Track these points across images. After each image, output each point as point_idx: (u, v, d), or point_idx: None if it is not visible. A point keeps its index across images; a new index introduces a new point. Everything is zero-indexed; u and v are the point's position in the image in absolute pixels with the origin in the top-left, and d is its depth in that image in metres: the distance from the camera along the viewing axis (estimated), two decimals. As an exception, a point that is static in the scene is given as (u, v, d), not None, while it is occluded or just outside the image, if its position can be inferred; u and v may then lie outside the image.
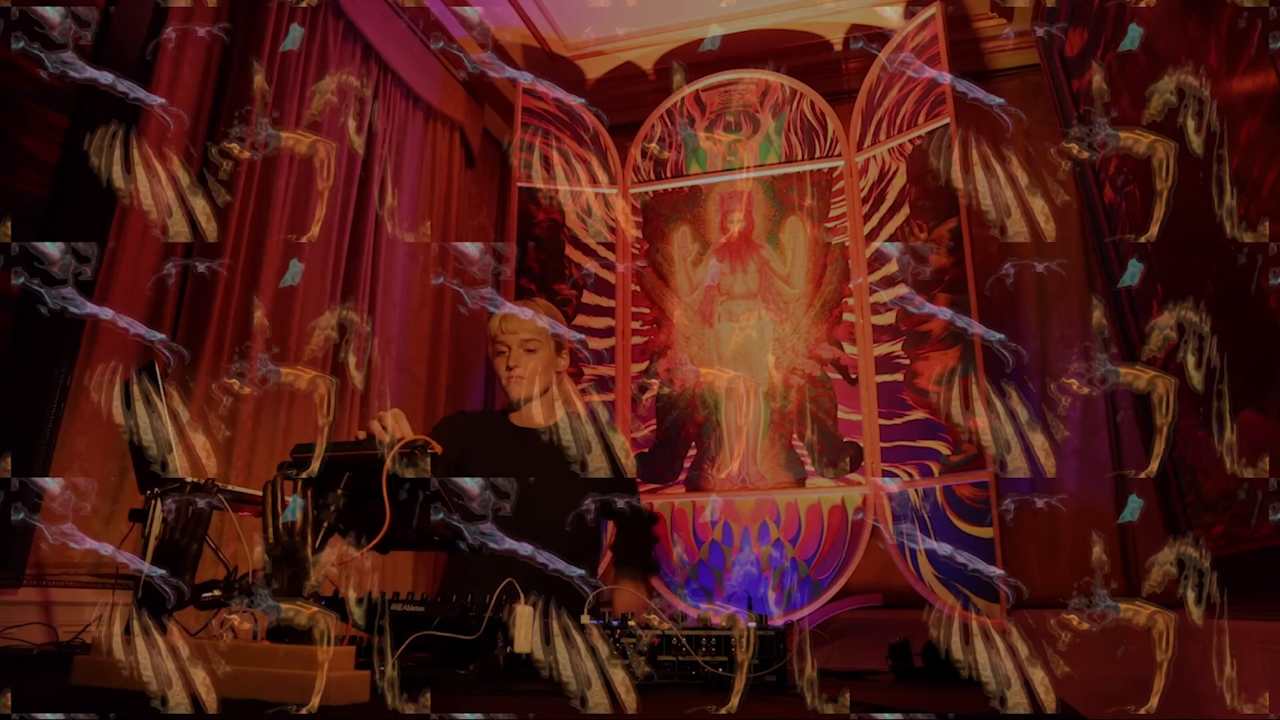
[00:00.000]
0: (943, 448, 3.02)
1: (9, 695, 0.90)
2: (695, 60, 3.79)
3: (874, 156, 3.43)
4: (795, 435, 3.32)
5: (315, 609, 1.05)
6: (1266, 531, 1.84)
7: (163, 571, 1.27)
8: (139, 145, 1.68)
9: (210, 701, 0.94)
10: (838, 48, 3.88)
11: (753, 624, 1.31)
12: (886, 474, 3.14)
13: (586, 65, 4.11)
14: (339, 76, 2.04)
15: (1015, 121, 1.99)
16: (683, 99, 3.78)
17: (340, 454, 1.30)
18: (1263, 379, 1.77)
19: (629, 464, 2.11)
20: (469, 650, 1.31)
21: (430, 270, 3.50)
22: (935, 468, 3.02)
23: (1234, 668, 1.23)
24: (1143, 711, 1.15)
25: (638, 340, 3.60)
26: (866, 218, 3.41)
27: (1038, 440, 1.84)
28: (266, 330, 1.76)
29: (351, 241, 3.24)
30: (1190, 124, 1.74)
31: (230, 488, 1.77)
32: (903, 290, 3.05)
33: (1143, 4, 2.10)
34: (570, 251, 3.67)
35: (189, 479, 1.59)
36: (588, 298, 3.63)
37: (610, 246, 3.70)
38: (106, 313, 1.75)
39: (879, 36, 3.62)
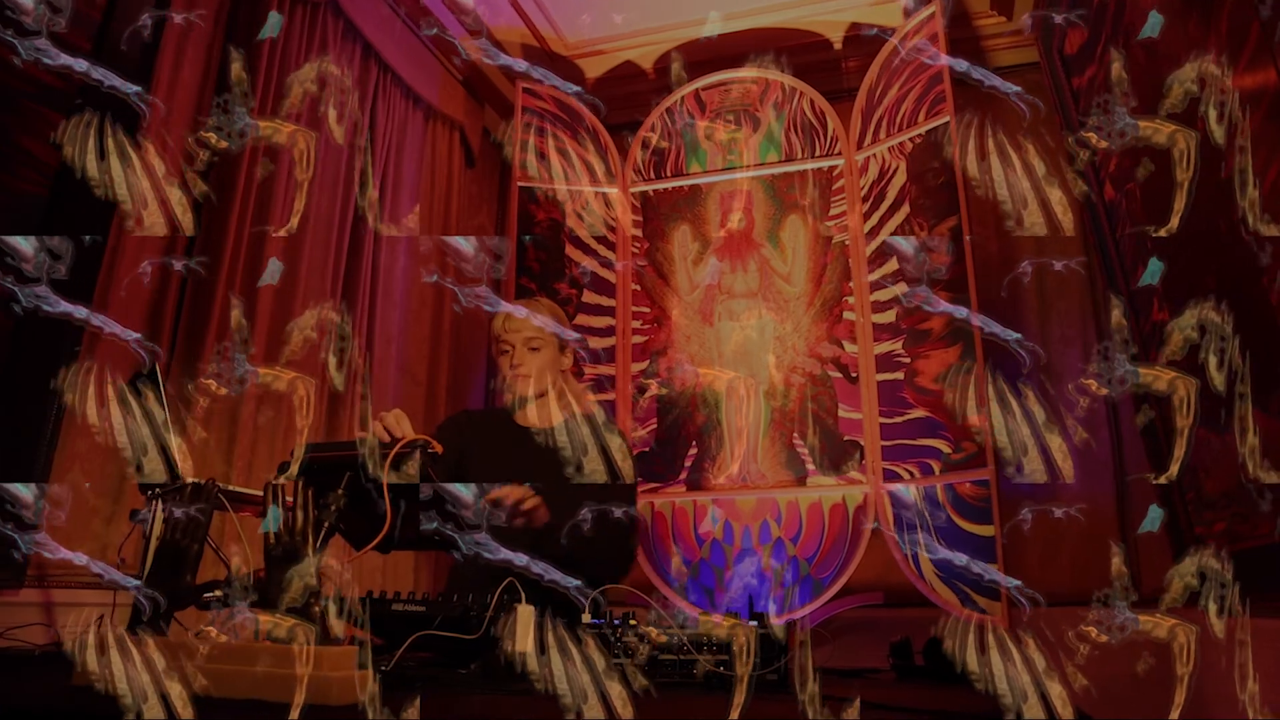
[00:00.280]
0: (943, 446, 3.02)
1: None
2: (695, 59, 3.79)
3: (874, 155, 3.43)
4: (796, 434, 3.32)
5: (295, 620, 1.05)
6: (1267, 529, 1.84)
7: (137, 582, 1.27)
8: (115, 135, 1.66)
9: (185, 713, 0.93)
10: (837, 46, 3.87)
11: (753, 622, 1.31)
12: (887, 472, 3.14)
13: (586, 64, 4.11)
14: (319, 64, 2.01)
15: (1017, 118, 1.97)
16: (683, 97, 3.78)
17: (324, 454, 1.30)
18: (1265, 377, 1.77)
19: (625, 467, 2.07)
20: (470, 650, 1.31)
21: (428, 269, 3.50)
22: (936, 466, 3.02)
23: (1257, 681, 1.22)
24: None
25: (638, 339, 3.60)
26: (867, 216, 3.41)
27: (1055, 443, 1.81)
28: (244, 329, 1.75)
29: (351, 241, 3.24)
30: (1212, 114, 1.72)
31: (231, 488, 1.77)
32: (915, 288, 3.03)
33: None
34: (570, 250, 3.67)
35: (190, 480, 1.59)
36: (588, 297, 3.63)
37: (610, 245, 3.70)
38: (81, 311, 1.73)
39: (879, 35, 3.62)
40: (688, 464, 3.39)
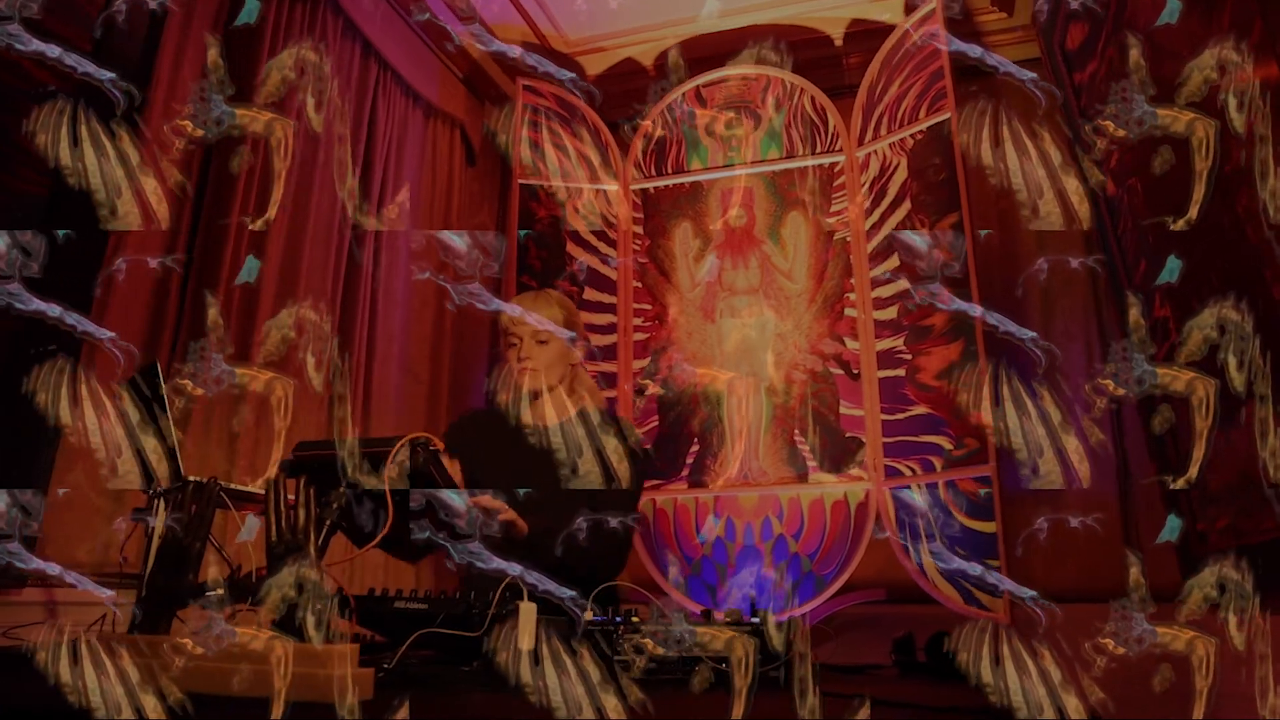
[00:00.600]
0: (945, 442, 3.02)
1: None
2: (696, 56, 3.78)
3: (875, 151, 3.42)
4: (797, 431, 3.31)
5: (271, 633, 1.04)
6: (1271, 524, 1.83)
7: (112, 593, 1.27)
8: (89, 122, 1.65)
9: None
10: (838, 43, 3.87)
11: (755, 619, 1.31)
12: (889, 469, 3.14)
13: (587, 61, 4.11)
14: (298, 50, 1.98)
15: (1025, 112, 1.94)
16: (683, 94, 3.77)
17: (324, 452, 1.30)
18: (1271, 375, 1.76)
19: (621, 470, 2.00)
20: (472, 647, 1.31)
21: (421, 265, 3.47)
22: (938, 463, 3.02)
23: (1277, 695, 1.20)
24: None
25: (639, 337, 3.60)
26: (868, 212, 3.40)
27: (1070, 443, 1.79)
28: (220, 328, 1.73)
29: (353, 240, 3.24)
30: (1232, 101, 1.68)
31: (233, 486, 1.77)
32: (927, 284, 3.00)
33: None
34: (572, 248, 3.67)
35: (192, 478, 1.59)
36: (589, 294, 3.62)
37: (611, 242, 3.70)
38: (54, 309, 1.72)
39: (880, 31, 3.62)
40: (689, 461, 3.39)
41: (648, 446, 3.44)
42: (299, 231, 2.95)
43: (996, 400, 1.85)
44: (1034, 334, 2.24)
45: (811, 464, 3.27)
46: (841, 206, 3.48)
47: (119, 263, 2.19)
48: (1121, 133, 1.78)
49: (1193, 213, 1.81)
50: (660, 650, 1.28)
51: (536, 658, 1.02)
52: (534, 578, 1.38)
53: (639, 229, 3.72)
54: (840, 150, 3.53)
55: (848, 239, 3.44)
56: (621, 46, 4.03)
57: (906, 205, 3.27)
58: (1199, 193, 1.79)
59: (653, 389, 3.50)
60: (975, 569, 2.72)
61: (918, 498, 3.02)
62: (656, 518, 3.34)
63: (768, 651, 1.28)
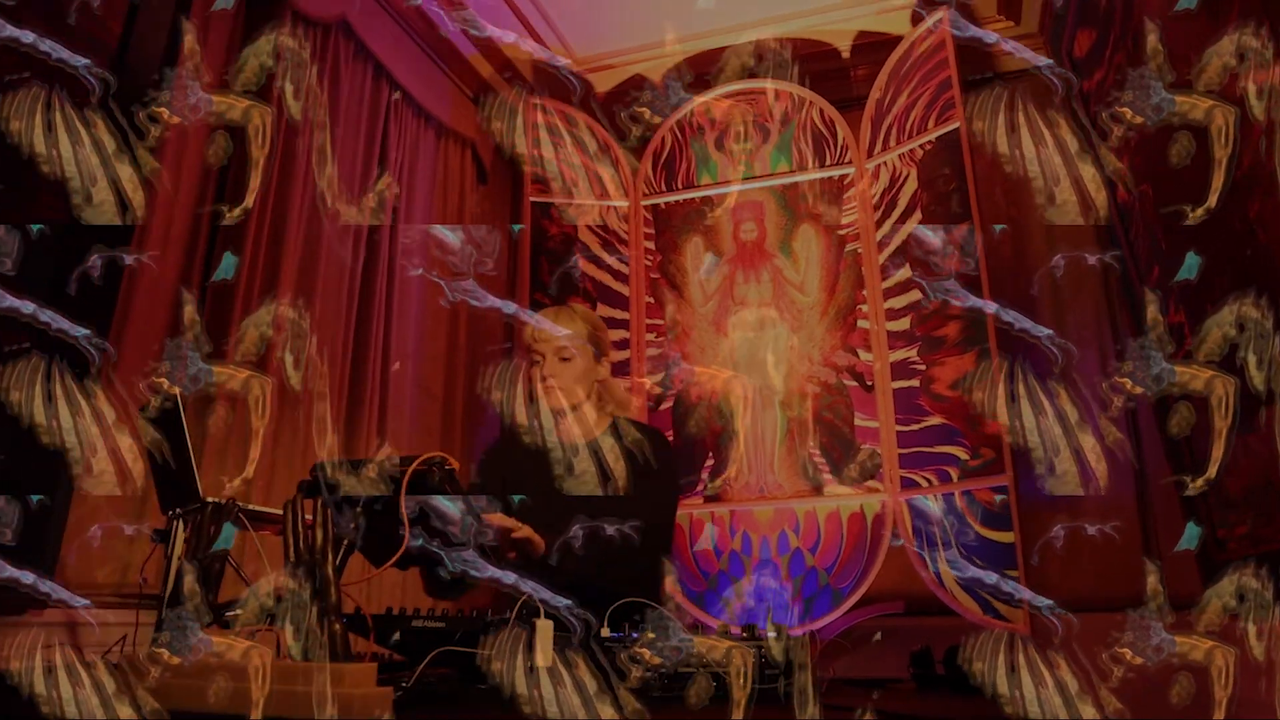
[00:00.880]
0: (960, 453, 3.00)
1: None
2: (704, 73, 3.80)
3: (884, 163, 3.43)
4: (812, 443, 3.31)
5: (250, 644, 1.05)
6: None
7: (86, 603, 1.26)
8: (63, 108, 1.65)
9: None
10: (845, 55, 3.88)
11: (772, 633, 1.30)
12: (905, 480, 3.12)
13: (595, 79, 4.14)
14: (274, 37, 1.96)
15: (1035, 105, 1.93)
16: (692, 110, 3.79)
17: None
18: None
19: (654, 485, 1.93)
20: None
21: (413, 263, 3.45)
22: (954, 473, 3.00)
23: None
24: None
25: (652, 351, 3.61)
26: (879, 224, 3.40)
27: (1088, 444, 1.77)
28: (197, 326, 1.71)
29: (366, 258, 3.26)
30: (1251, 89, 1.65)
31: (251, 507, 1.78)
32: (942, 281, 2.96)
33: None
34: (584, 264, 3.69)
35: (210, 499, 1.60)
36: (601, 309, 3.64)
37: (623, 258, 3.71)
38: (28, 306, 1.72)
39: (887, 43, 3.63)
40: (704, 474, 3.39)
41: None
42: (314, 248, 2.97)
43: (1012, 398, 1.83)
44: (1050, 331, 2.21)
45: (827, 476, 3.26)
46: (852, 218, 3.49)
47: (93, 260, 2.13)
48: (1139, 119, 1.75)
49: (1212, 200, 1.77)
50: (658, 660, 1.27)
51: (545, 673, 1.02)
52: (530, 586, 1.37)
53: (650, 244, 3.73)
54: (850, 162, 3.54)
55: (859, 251, 3.44)
56: (630, 64, 4.06)
57: (917, 215, 3.27)
58: (1218, 180, 1.75)
59: (653, 388, 3.51)
60: (992, 578, 2.70)
61: (934, 506, 3.00)
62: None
63: (768, 663, 1.27)
